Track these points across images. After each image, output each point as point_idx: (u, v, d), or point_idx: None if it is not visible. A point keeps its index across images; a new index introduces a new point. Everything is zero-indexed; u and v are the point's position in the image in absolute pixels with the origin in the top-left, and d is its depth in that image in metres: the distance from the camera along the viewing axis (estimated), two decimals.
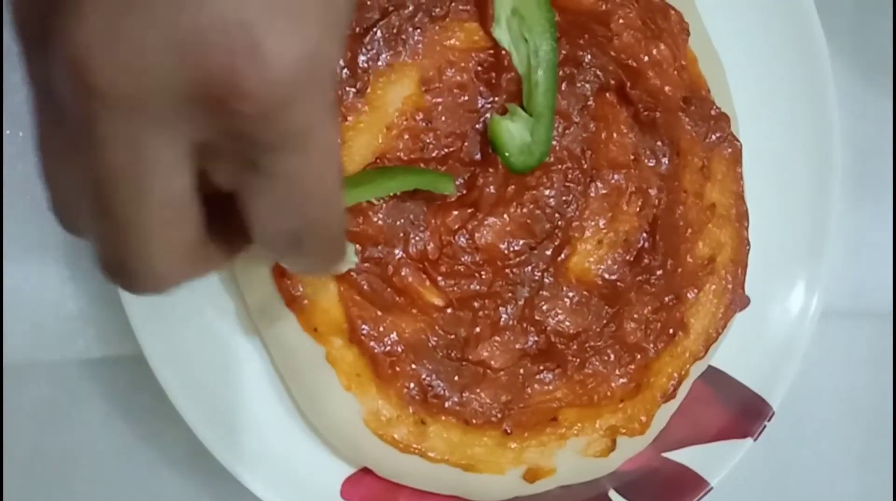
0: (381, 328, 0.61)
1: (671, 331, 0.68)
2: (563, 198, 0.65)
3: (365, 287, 0.60)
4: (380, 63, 0.61)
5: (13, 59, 0.62)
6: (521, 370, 0.64)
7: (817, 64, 0.73)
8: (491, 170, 0.62)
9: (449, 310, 0.63)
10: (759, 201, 0.72)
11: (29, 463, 0.63)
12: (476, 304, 0.63)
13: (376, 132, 0.61)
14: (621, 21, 0.66)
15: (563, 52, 0.64)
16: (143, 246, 0.35)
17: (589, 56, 0.65)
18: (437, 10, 0.61)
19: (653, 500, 0.69)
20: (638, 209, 0.67)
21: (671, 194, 0.68)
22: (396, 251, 0.62)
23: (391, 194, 0.61)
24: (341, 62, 0.59)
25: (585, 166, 0.66)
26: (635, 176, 0.67)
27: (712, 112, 0.69)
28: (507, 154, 0.62)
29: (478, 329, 0.63)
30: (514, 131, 0.62)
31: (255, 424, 0.62)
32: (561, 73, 0.64)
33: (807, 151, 0.74)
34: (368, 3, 0.60)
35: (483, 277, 0.63)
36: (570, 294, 0.65)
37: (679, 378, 0.69)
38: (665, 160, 0.68)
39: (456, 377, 0.63)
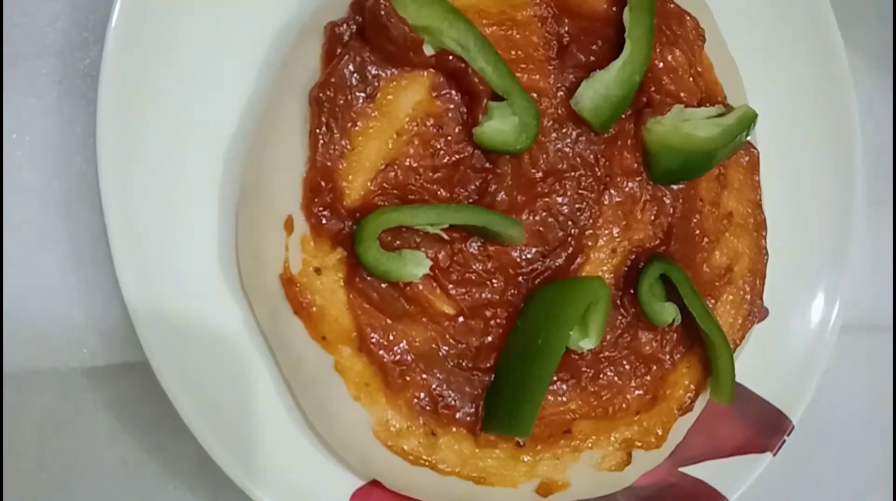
0: (391, 337, 0.60)
1: (688, 342, 0.67)
2: (577, 206, 0.64)
3: (374, 295, 0.59)
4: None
5: (14, 60, 0.61)
6: None
7: (837, 71, 0.73)
8: (503, 176, 0.61)
9: (460, 319, 0.62)
10: (778, 209, 0.71)
11: (31, 476, 0.62)
12: (488, 313, 0.62)
13: (387, 138, 0.60)
14: None
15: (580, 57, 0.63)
16: None
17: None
18: None
19: None
20: (652, 218, 0.66)
21: (687, 202, 0.67)
22: None
23: (452, 224, 0.60)
24: (351, 67, 0.58)
25: (599, 174, 0.65)
26: (650, 184, 0.66)
27: None
28: (509, 146, 0.61)
29: (489, 339, 0.62)
30: (500, 125, 0.60)
31: (263, 436, 0.61)
32: (574, 79, 0.63)
33: (827, 158, 0.73)
34: None
35: (495, 285, 0.62)
36: None
37: (696, 391, 0.67)
38: None
39: (467, 388, 0.61)
